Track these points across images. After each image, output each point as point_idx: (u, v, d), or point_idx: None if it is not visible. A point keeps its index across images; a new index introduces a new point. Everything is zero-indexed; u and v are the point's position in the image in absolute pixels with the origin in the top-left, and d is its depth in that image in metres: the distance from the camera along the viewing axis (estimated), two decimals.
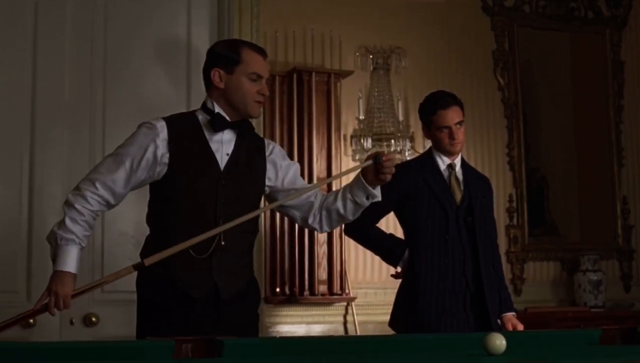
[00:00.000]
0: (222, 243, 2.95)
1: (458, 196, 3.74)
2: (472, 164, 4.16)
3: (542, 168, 5.72)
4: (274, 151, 3.18)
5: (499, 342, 2.25)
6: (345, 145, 5.03)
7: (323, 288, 4.77)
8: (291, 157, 4.76)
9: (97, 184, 2.96)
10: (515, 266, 5.47)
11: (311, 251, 4.74)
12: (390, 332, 3.78)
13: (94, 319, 4.31)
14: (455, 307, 3.64)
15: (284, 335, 4.66)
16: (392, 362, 2.32)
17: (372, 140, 4.98)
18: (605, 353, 2.46)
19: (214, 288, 2.97)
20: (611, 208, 5.82)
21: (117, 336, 4.10)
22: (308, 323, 4.85)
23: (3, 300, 4.21)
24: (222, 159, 3.02)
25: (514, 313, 3.80)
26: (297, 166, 3.26)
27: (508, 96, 5.58)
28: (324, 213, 3.17)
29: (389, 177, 3.00)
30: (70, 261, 2.95)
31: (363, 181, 3.05)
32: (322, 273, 4.75)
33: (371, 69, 5.10)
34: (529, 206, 5.57)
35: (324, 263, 4.77)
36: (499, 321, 3.73)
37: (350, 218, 3.17)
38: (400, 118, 5.07)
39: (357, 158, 5.04)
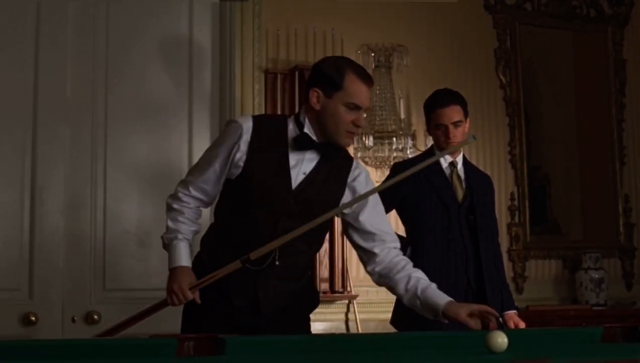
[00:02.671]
0: (277, 262, 2.91)
1: (460, 194, 3.74)
2: (473, 162, 4.16)
3: (544, 166, 5.72)
4: (359, 178, 3.03)
5: (501, 339, 2.25)
6: None
7: (325, 286, 4.78)
8: None
9: (190, 188, 3.00)
10: (517, 265, 5.47)
11: None
12: (392, 329, 3.78)
13: (95, 317, 4.32)
14: None
15: None
16: (394, 360, 2.32)
17: (374, 138, 4.98)
18: (607, 352, 2.46)
19: (255, 300, 2.94)
20: (613, 206, 5.82)
21: (119, 334, 4.11)
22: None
23: (5, 297, 4.22)
24: (297, 177, 2.92)
25: (515, 311, 3.80)
26: (380, 208, 3.08)
27: (510, 94, 5.58)
28: (386, 280, 3.09)
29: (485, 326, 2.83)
30: (178, 256, 2.95)
31: (450, 316, 2.87)
32: (323, 271, 4.75)
33: (373, 67, 5.10)
34: (531, 204, 5.57)
35: (326, 261, 4.77)
36: (500, 319, 3.73)
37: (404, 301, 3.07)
38: (402, 116, 5.06)
39: (358, 155, 5.04)
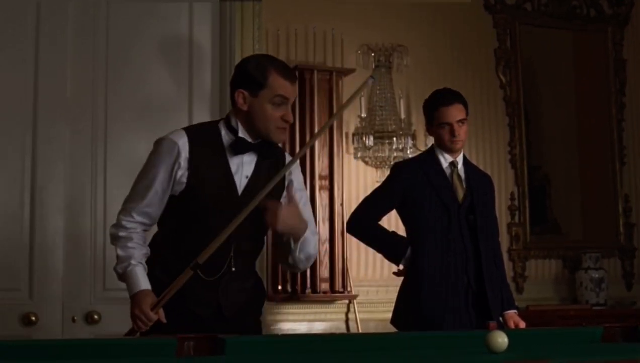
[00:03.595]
0: (233, 269, 2.95)
1: (460, 194, 3.74)
2: (473, 162, 4.16)
3: (544, 166, 5.72)
4: (294, 170, 3.11)
5: (501, 339, 2.25)
6: (347, 143, 5.03)
7: (325, 285, 4.78)
8: (292, 155, 4.76)
9: (133, 214, 2.98)
10: (517, 264, 5.47)
11: None
12: (392, 329, 3.78)
13: (95, 317, 4.32)
14: (458, 305, 3.65)
15: (285, 332, 4.66)
16: (394, 360, 2.32)
17: (374, 138, 4.98)
18: (606, 351, 2.46)
19: (218, 307, 2.97)
20: (613, 206, 5.82)
21: (119, 334, 4.09)
22: (310, 320, 4.85)
23: (5, 297, 4.22)
24: (241, 182, 2.97)
25: (515, 311, 3.80)
26: (306, 195, 3.19)
27: (510, 94, 5.58)
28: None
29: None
30: (136, 282, 2.93)
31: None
32: (323, 271, 4.75)
33: (373, 67, 5.10)
34: (531, 204, 5.57)
35: (326, 260, 4.77)
36: (500, 319, 3.73)
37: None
38: (402, 116, 5.07)
39: (358, 155, 5.05)
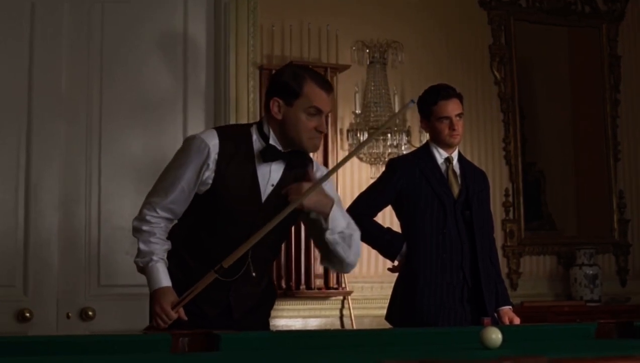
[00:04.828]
0: (254, 274, 2.95)
1: (455, 189, 3.74)
2: (468, 158, 4.16)
3: (538, 162, 5.72)
4: (323, 172, 3.06)
5: (495, 335, 2.25)
6: (341, 139, 5.03)
7: (319, 282, 4.78)
8: None
9: (158, 209, 2.95)
10: (512, 261, 5.47)
11: (307, 245, 4.73)
12: (386, 325, 3.79)
13: (90, 313, 4.32)
14: (453, 301, 3.65)
15: (280, 328, 4.66)
16: (389, 356, 2.32)
17: (369, 134, 4.98)
18: (601, 347, 2.47)
19: (228, 307, 2.98)
20: (607, 202, 5.83)
21: (113, 330, 4.11)
22: (304, 317, 4.85)
23: (0, 293, 4.22)
24: (266, 190, 2.95)
25: (510, 307, 3.81)
26: (332, 188, 3.13)
27: (505, 90, 5.58)
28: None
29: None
30: (157, 278, 2.91)
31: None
32: (318, 267, 4.75)
33: (368, 63, 5.10)
34: (525, 200, 5.58)
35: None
36: (495, 315, 3.74)
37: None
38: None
39: None
